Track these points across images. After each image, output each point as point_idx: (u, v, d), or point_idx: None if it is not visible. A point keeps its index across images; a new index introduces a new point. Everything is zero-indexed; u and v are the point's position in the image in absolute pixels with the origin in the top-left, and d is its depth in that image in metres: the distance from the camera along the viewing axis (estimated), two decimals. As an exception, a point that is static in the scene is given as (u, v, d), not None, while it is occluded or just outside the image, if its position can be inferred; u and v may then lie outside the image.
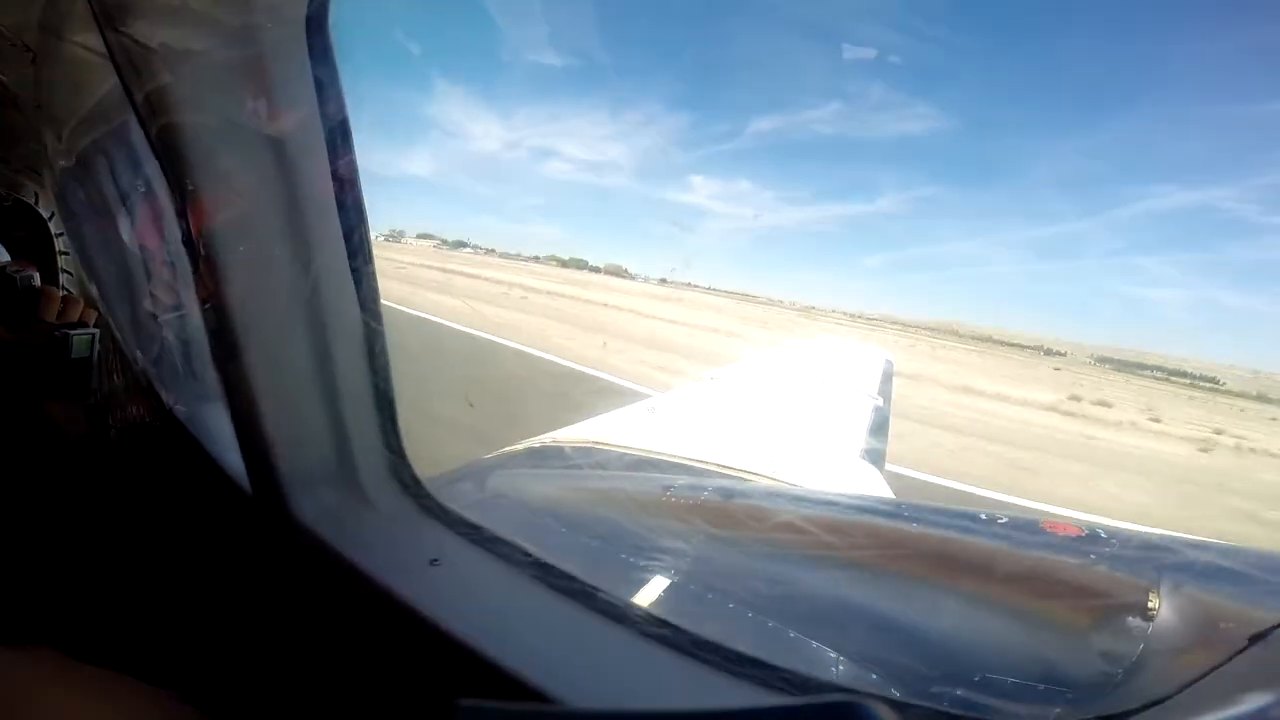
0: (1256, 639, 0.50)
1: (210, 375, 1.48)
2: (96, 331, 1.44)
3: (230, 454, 1.14)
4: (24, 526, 1.33)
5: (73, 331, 1.40)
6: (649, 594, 0.95)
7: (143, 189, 1.43)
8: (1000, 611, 0.93)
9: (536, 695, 0.61)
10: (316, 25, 0.73)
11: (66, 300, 1.44)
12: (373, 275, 0.84)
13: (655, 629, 0.69)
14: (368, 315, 0.84)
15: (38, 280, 1.46)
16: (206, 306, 0.82)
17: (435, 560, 0.79)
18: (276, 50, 0.72)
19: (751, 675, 0.64)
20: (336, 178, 0.79)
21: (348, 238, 0.81)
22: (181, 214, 0.78)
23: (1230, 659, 0.52)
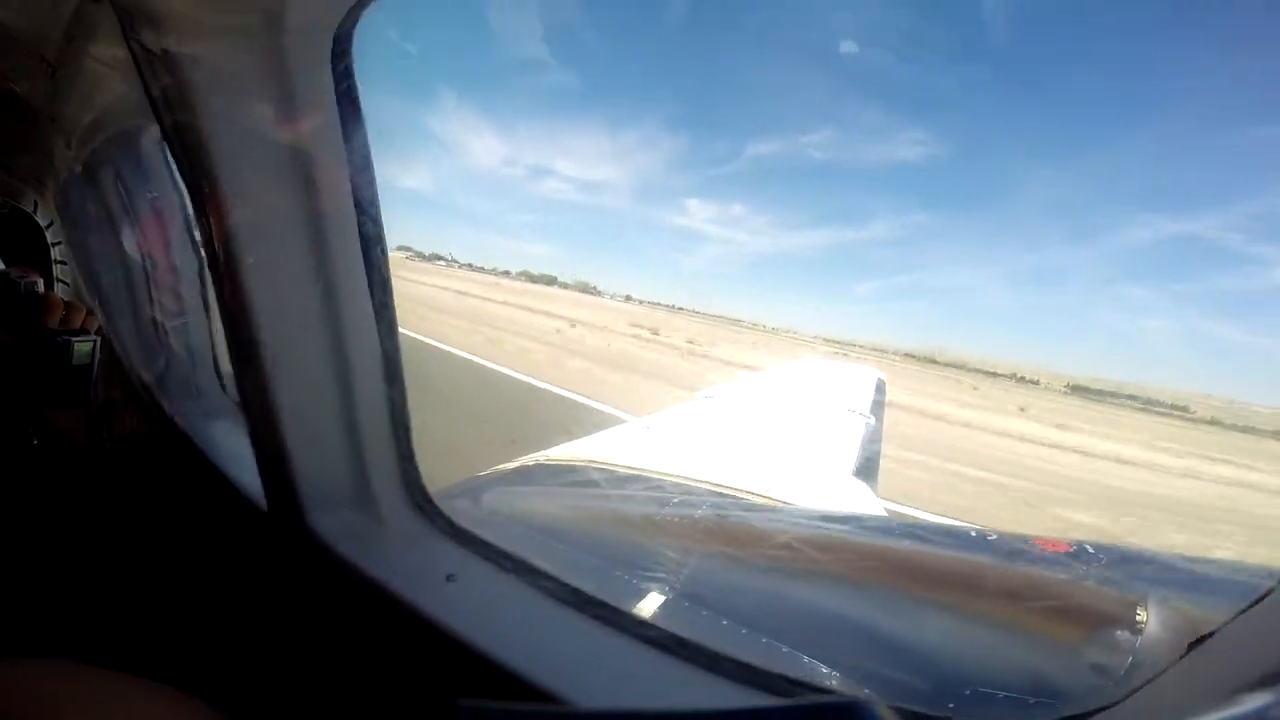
0: (1194, 645, 0.52)
1: (212, 388, 1.49)
2: (97, 339, 1.44)
3: (235, 465, 1.15)
4: (27, 533, 1.32)
5: (74, 338, 1.40)
6: (645, 610, 0.96)
7: (151, 199, 1.45)
8: (992, 626, 0.95)
9: (558, 703, 0.63)
10: (342, 43, 0.75)
11: (69, 307, 1.44)
12: (390, 294, 0.85)
13: (666, 640, 0.71)
14: (384, 335, 0.86)
15: (41, 286, 1.46)
16: (228, 323, 0.83)
17: (451, 576, 0.81)
18: (301, 65, 0.73)
19: (758, 683, 0.66)
20: (356, 196, 0.80)
21: (366, 257, 0.82)
22: (204, 225, 0.79)
23: (1170, 667, 0.54)
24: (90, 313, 1.52)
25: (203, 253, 1.47)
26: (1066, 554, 1.05)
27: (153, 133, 1.33)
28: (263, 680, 0.98)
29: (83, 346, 1.42)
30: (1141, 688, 0.54)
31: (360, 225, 0.81)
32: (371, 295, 0.84)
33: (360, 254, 0.82)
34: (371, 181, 0.81)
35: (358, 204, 0.80)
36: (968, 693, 0.76)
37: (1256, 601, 0.48)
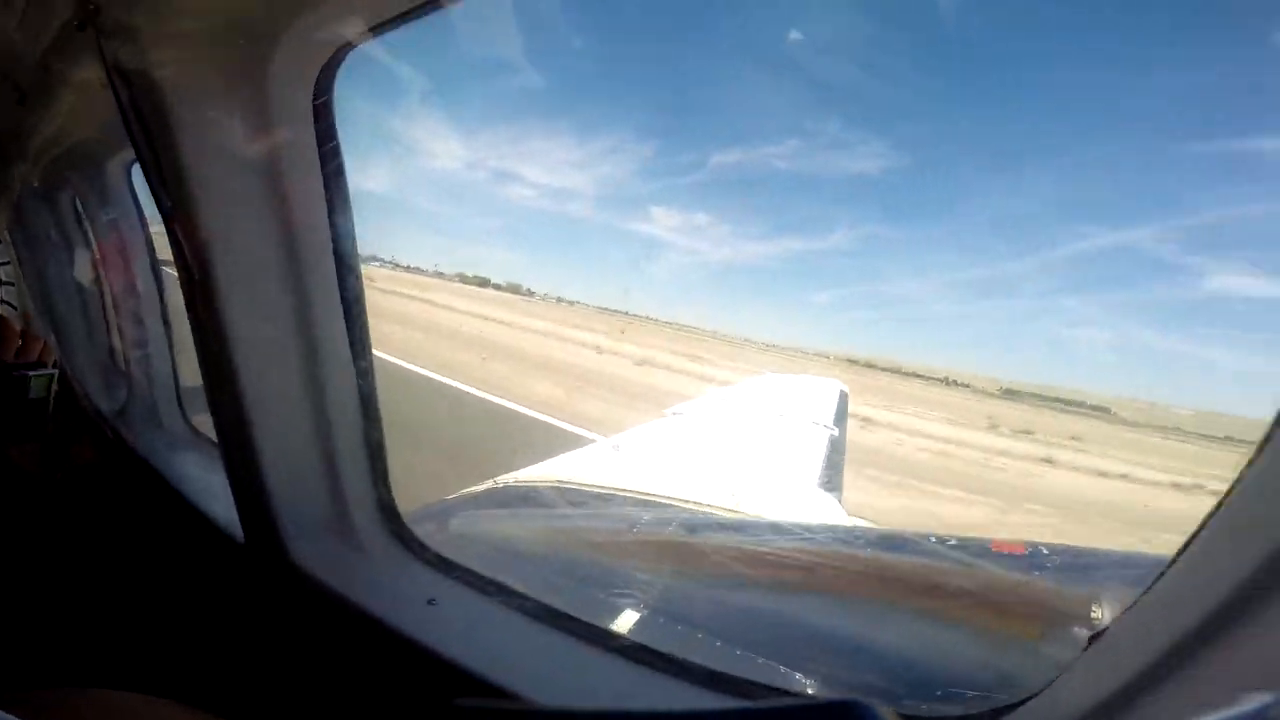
0: (1094, 639, 0.53)
1: (175, 419, 1.46)
2: (55, 372, 1.39)
3: (204, 496, 1.13)
4: None
5: (32, 373, 1.35)
6: (620, 625, 0.97)
7: (112, 225, 1.42)
8: (956, 628, 0.98)
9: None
10: (324, 78, 0.76)
11: (26, 336, 1.39)
12: (364, 316, 0.86)
13: (638, 651, 0.73)
14: (359, 359, 0.86)
15: None
16: (202, 349, 0.83)
17: (433, 600, 0.82)
18: (284, 95, 0.74)
19: (724, 688, 0.69)
20: (332, 221, 0.81)
21: (341, 282, 0.83)
22: (178, 250, 0.78)
23: (1075, 660, 0.55)
24: (46, 343, 1.47)
25: (163, 280, 1.45)
26: (1022, 556, 1.10)
27: (118, 159, 1.31)
28: (247, 703, 0.97)
29: (39, 380, 1.36)
30: (1054, 681, 0.57)
31: (335, 251, 0.82)
32: (346, 321, 0.84)
33: (335, 279, 0.83)
34: (347, 207, 0.81)
35: (333, 229, 0.81)
36: (938, 693, 0.77)
37: (1144, 593, 0.49)
